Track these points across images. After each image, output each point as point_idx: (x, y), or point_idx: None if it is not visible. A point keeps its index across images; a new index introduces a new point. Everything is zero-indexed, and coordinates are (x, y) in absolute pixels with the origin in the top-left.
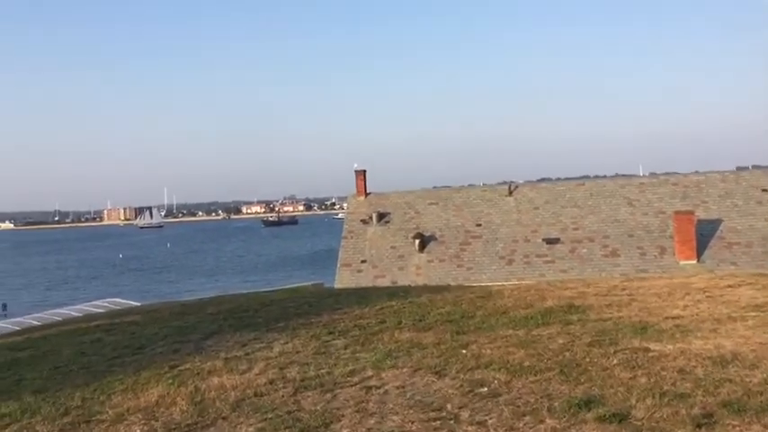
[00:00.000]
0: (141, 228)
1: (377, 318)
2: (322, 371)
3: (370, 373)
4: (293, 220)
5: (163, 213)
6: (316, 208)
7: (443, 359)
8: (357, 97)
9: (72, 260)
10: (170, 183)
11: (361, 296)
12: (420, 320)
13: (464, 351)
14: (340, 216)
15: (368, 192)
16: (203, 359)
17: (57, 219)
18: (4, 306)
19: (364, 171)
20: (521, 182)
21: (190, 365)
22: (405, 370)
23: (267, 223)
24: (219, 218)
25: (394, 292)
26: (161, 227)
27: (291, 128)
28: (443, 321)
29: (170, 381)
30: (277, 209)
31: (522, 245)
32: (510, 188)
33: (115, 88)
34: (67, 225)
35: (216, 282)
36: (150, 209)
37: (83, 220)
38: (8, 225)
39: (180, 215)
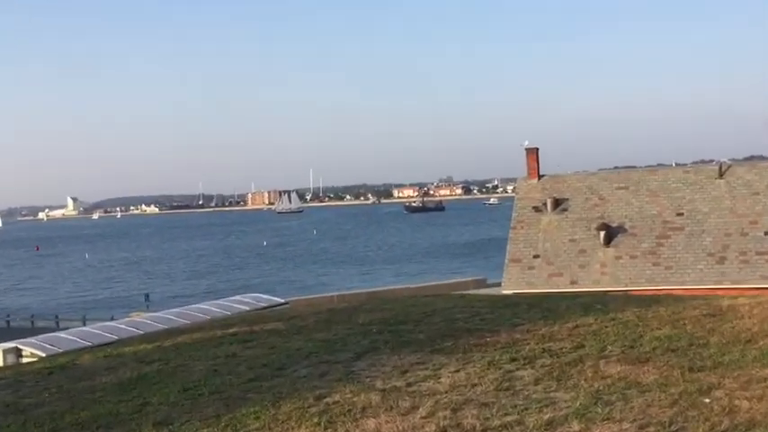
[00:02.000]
0: (279, 213)
1: (571, 340)
2: (509, 417)
3: (576, 427)
4: (439, 206)
5: (308, 196)
6: (476, 191)
7: (678, 411)
8: (524, 69)
9: (215, 247)
10: (316, 165)
11: (547, 308)
12: (631, 347)
13: (707, 400)
14: (492, 202)
15: (541, 174)
16: (355, 389)
17: (201, 203)
18: (147, 296)
19: (536, 150)
20: (727, 161)
21: (339, 397)
22: (625, 426)
23: (410, 209)
24: (368, 202)
25: (588, 305)
26: (300, 211)
27: (448, 103)
28: (664, 350)
29: (315, 420)
30: (432, 192)
31: (736, 239)
32: (721, 169)
33: (269, 66)
34: (211, 209)
35: (366, 275)
36: (289, 193)
37: (226, 204)
38: (153, 209)
39: (326, 198)
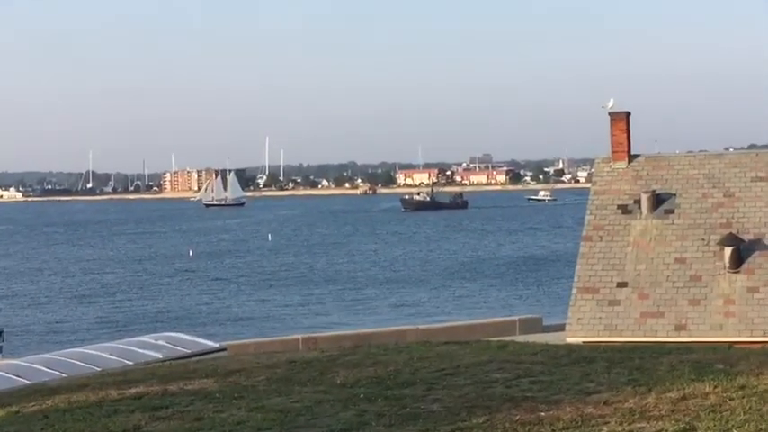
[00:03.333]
0: (207, 206)
1: (675, 420)
2: None
3: None
4: (457, 201)
5: (261, 180)
6: (528, 178)
7: None
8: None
9: (111, 257)
10: (276, 131)
11: (638, 368)
12: None
13: None
14: (542, 197)
15: (632, 153)
16: None
17: (89, 186)
18: None
19: (626, 116)
20: None
21: None
22: None
23: (409, 205)
24: (358, 191)
25: (704, 364)
26: (241, 204)
27: (488, 43)
28: None
29: None
30: (459, 178)
31: None
32: None
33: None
34: (106, 196)
35: (351, 307)
36: (223, 173)
37: (131, 188)
38: (13, 194)
39: (290, 184)
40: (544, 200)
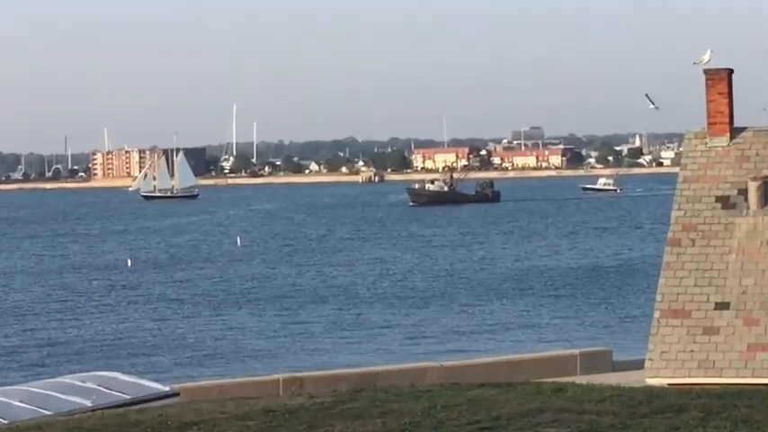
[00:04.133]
0: (147, 198)
1: None
2: None
3: None
4: (484, 191)
5: (226, 162)
6: (592, 160)
7: None
8: None
9: (23, 266)
10: (247, 100)
11: (745, 420)
12: None
13: None
14: (602, 185)
15: (736, 126)
16: None
17: None
18: None
19: (729, 73)
20: None
21: None
22: None
23: (418, 197)
24: (360, 178)
25: None
26: (194, 196)
27: None
28: None
29: None
30: (499, 161)
31: None
32: None
33: None
34: (15, 185)
35: (351, 335)
36: (170, 153)
37: (48, 174)
38: None
39: (266, 169)
40: (604, 189)
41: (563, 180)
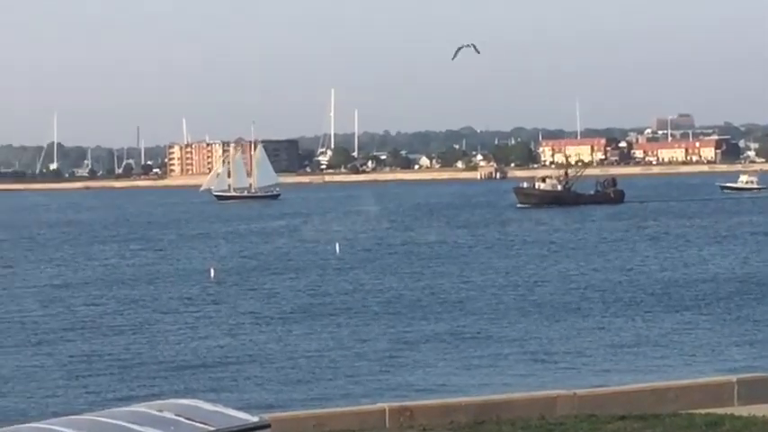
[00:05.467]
0: (219, 198)
1: None
2: None
3: None
4: (608, 192)
5: (322, 156)
6: (751, 153)
7: None
8: None
9: (93, 276)
10: (348, 84)
11: None
12: None
13: None
14: (744, 183)
15: None
16: None
17: (53, 167)
18: None
19: None
20: None
21: None
22: None
23: (527, 197)
24: (479, 174)
25: None
26: (275, 197)
27: None
28: None
29: None
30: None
31: None
32: None
33: None
34: (80, 183)
35: (465, 359)
36: (248, 146)
37: (119, 171)
38: None
39: (369, 164)
40: (751, 188)
41: (718, 176)
